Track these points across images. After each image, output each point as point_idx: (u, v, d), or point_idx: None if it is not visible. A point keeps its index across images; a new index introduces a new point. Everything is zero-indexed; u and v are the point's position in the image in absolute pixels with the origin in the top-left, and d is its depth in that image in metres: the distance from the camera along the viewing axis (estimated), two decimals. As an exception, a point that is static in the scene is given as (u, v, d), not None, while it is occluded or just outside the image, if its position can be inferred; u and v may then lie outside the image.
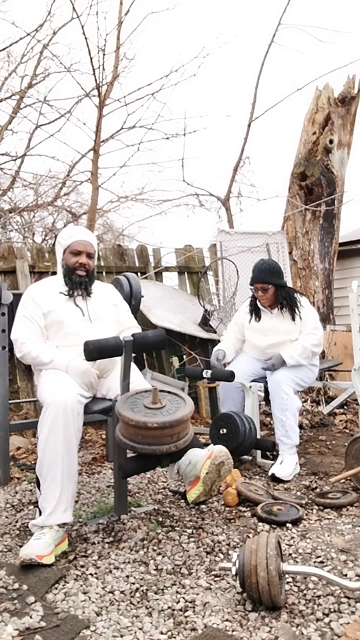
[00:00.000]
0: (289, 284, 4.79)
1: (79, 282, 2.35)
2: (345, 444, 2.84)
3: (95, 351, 2.05)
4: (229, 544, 2.01)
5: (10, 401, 2.79)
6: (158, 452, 1.90)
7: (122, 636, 1.45)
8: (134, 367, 2.36)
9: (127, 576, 1.78)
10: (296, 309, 3.03)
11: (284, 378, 2.89)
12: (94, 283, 2.43)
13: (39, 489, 2.04)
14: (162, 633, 1.46)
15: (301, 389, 3.09)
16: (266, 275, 3.00)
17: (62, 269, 2.39)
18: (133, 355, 2.51)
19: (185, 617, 1.54)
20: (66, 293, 2.35)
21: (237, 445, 2.87)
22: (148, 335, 2.20)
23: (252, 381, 3.13)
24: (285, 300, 3.03)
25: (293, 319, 3.02)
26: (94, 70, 6.27)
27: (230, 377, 2.91)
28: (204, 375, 3.09)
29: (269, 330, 3.09)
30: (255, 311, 3.16)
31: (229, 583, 1.72)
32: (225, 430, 2.92)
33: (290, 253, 5.12)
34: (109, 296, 2.52)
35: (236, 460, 3.14)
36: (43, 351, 2.22)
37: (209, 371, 3.09)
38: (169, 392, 2.10)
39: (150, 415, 1.89)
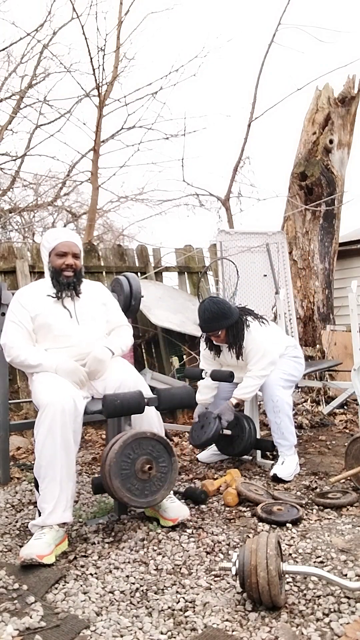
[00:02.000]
0: (289, 284, 4.79)
1: (66, 283, 2.35)
2: (345, 444, 2.84)
3: (115, 408, 2.07)
4: (229, 544, 2.01)
5: (10, 401, 2.80)
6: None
7: (122, 636, 1.45)
8: (130, 367, 2.36)
9: (127, 576, 1.78)
10: (242, 345, 2.91)
11: (272, 379, 2.87)
12: (82, 283, 2.43)
13: (37, 490, 2.04)
14: (162, 633, 1.46)
15: (293, 383, 3.04)
16: (212, 323, 2.89)
17: (49, 271, 2.39)
18: (132, 355, 2.51)
19: (185, 617, 1.54)
20: (54, 295, 2.35)
21: (242, 449, 2.88)
22: (174, 395, 2.22)
23: None
24: (235, 339, 2.92)
25: (237, 357, 2.95)
26: (94, 70, 6.29)
27: (229, 377, 2.91)
28: (203, 376, 3.09)
29: (230, 366, 3.06)
30: (213, 348, 3.08)
31: (229, 583, 1.72)
32: (230, 432, 2.91)
33: (290, 253, 5.11)
34: (97, 295, 2.50)
35: (236, 460, 3.14)
36: (31, 354, 2.22)
37: (208, 372, 3.09)
38: (164, 447, 2.08)
39: (133, 492, 2.00)
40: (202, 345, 3.16)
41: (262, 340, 2.91)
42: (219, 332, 2.91)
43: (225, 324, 2.88)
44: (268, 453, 3.13)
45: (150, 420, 2.25)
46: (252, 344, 2.89)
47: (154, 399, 2.15)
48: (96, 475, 2.19)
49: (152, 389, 2.39)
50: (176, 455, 2.12)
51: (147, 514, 2.30)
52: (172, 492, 2.26)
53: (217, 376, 2.99)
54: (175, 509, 2.20)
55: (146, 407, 2.17)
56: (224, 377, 2.94)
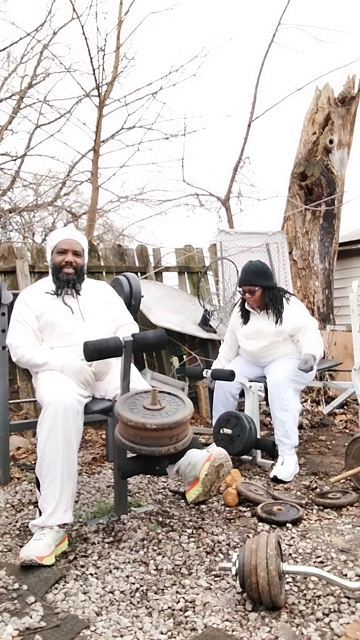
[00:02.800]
0: (289, 284, 4.79)
1: (66, 280, 2.36)
2: (345, 444, 2.84)
3: (95, 352, 2.05)
4: (229, 544, 2.01)
5: (10, 401, 2.79)
6: (157, 454, 1.89)
7: (122, 636, 1.45)
8: (132, 367, 2.36)
9: (127, 576, 1.78)
10: (281, 309, 3.03)
11: (284, 378, 2.89)
12: (83, 281, 2.43)
13: (38, 489, 2.04)
14: (162, 633, 1.46)
15: (303, 386, 3.09)
16: (252, 277, 3.02)
17: (51, 269, 2.41)
18: (132, 355, 2.50)
19: (185, 617, 1.54)
20: (52, 292, 2.35)
21: (243, 448, 2.88)
22: (148, 335, 2.20)
23: (250, 381, 3.14)
24: (271, 302, 3.04)
25: (276, 322, 3.02)
26: (94, 70, 6.29)
27: (230, 376, 2.91)
28: (204, 375, 3.08)
29: (257, 334, 3.10)
30: (244, 313, 3.18)
31: (229, 583, 1.72)
32: (230, 431, 2.92)
33: (290, 253, 5.11)
34: (102, 294, 2.51)
35: (236, 460, 3.14)
36: (37, 354, 2.22)
37: (209, 371, 3.09)
38: (168, 394, 2.09)
39: (149, 417, 1.89)
40: (234, 313, 3.27)
41: (310, 318, 3.10)
42: (256, 289, 3.01)
43: (264, 283, 3.02)
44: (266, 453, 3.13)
45: (140, 382, 2.27)
46: (299, 312, 3.06)
47: (130, 341, 2.11)
48: (124, 459, 2.12)
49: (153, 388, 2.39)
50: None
51: (189, 500, 2.06)
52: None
53: (217, 375, 2.99)
54: (203, 454, 2.05)
55: (137, 380, 2.22)
56: (225, 376, 2.94)
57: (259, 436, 3.08)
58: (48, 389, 2.09)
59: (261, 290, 3.03)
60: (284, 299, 3.08)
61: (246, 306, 3.16)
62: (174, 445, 1.91)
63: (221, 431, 2.90)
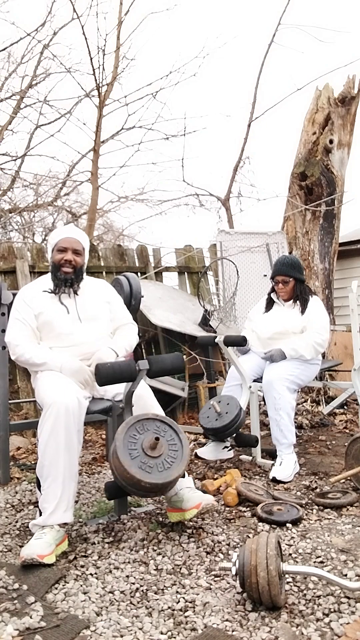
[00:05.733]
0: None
1: (64, 278, 2.35)
2: (345, 444, 2.84)
3: (107, 378, 2.04)
4: (229, 544, 2.01)
5: (10, 401, 2.80)
6: (146, 497, 2.05)
7: (122, 636, 1.45)
8: None
9: (127, 576, 1.78)
10: (307, 304, 3.13)
11: (277, 377, 2.89)
12: (82, 280, 2.42)
13: (39, 489, 2.04)
14: (162, 633, 1.46)
15: (298, 387, 3.08)
16: (288, 269, 3.13)
17: (50, 267, 2.41)
18: (132, 355, 2.50)
19: (185, 617, 1.54)
20: (50, 291, 2.35)
21: (227, 425, 2.79)
22: (164, 360, 2.20)
23: (253, 381, 3.13)
24: (301, 294, 3.16)
25: (302, 312, 3.11)
26: (94, 70, 6.29)
27: (243, 341, 2.97)
28: (217, 341, 3.06)
29: (275, 320, 3.18)
30: (268, 302, 3.29)
31: (229, 583, 1.72)
32: (219, 409, 2.84)
33: (290, 253, 5.11)
34: (101, 293, 2.49)
35: (236, 460, 3.14)
36: (35, 353, 2.22)
37: (222, 336, 3.06)
38: (169, 426, 2.07)
39: (145, 469, 1.91)
40: (258, 304, 3.39)
41: (326, 318, 3.16)
42: (290, 280, 3.13)
43: (297, 275, 3.14)
44: (266, 453, 3.13)
45: (149, 403, 2.25)
46: (320, 313, 3.12)
47: (145, 362, 2.11)
48: (109, 480, 2.16)
49: (153, 389, 2.39)
50: (184, 433, 2.09)
51: (171, 520, 2.18)
52: (192, 483, 2.20)
53: (230, 340, 3.02)
54: (197, 497, 2.10)
55: (144, 396, 2.21)
56: (237, 341, 3.00)
57: (258, 437, 3.08)
58: (48, 389, 2.08)
59: (294, 282, 3.15)
60: (310, 296, 3.19)
61: (273, 296, 3.27)
62: (164, 493, 2.08)
63: (210, 405, 2.89)
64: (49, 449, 1.98)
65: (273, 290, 3.26)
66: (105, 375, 2.03)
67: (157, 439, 1.96)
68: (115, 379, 2.05)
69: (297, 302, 3.15)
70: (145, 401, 2.23)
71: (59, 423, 1.98)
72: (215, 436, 2.94)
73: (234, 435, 2.93)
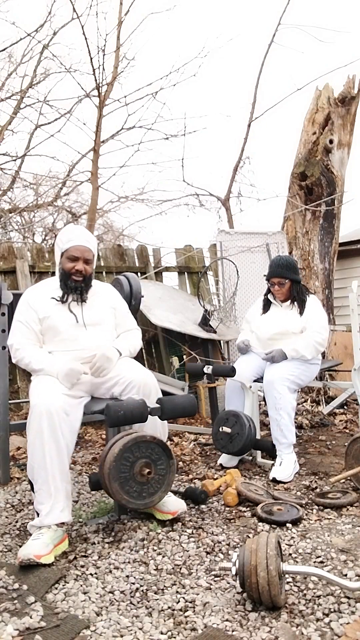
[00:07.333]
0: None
1: (74, 287, 2.33)
2: (345, 444, 2.84)
3: (118, 419, 2.04)
4: (229, 544, 2.01)
5: (10, 401, 2.80)
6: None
7: (122, 636, 1.45)
8: (138, 365, 2.36)
9: (127, 576, 1.78)
10: (305, 304, 3.13)
11: (278, 377, 2.89)
12: (90, 288, 2.40)
13: (33, 491, 2.04)
14: (162, 633, 1.46)
15: (299, 387, 3.08)
16: (284, 270, 3.12)
17: (59, 272, 2.38)
18: (133, 355, 2.49)
19: (185, 617, 1.54)
20: (58, 298, 2.34)
21: (242, 447, 2.87)
22: (176, 402, 2.21)
23: (254, 381, 3.14)
24: (298, 295, 3.15)
25: (300, 313, 3.11)
26: (94, 70, 6.27)
27: (231, 372, 2.94)
28: (205, 371, 3.08)
29: (274, 320, 3.17)
30: (266, 304, 3.28)
31: (229, 583, 1.72)
32: (229, 430, 2.90)
33: (290, 253, 5.11)
34: (107, 299, 2.48)
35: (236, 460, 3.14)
36: (35, 358, 2.22)
37: (210, 367, 3.09)
38: (163, 450, 2.08)
39: (130, 493, 2.00)
40: (254, 305, 3.38)
41: (324, 317, 3.14)
42: (286, 282, 3.11)
43: (293, 276, 3.13)
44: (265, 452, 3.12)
45: (153, 423, 2.23)
46: (318, 312, 3.11)
47: (157, 408, 2.14)
48: (94, 472, 2.19)
49: None
50: (174, 458, 2.12)
51: (142, 509, 2.25)
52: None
53: (218, 371, 3.01)
54: (173, 502, 2.22)
55: (149, 384, 2.23)
56: (226, 372, 2.98)
57: (258, 436, 3.08)
58: (34, 392, 2.10)
59: (290, 283, 3.14)
60: (307, 296, 3.18)
61: (269, 297, 3.26)
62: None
63: (220, 429, 2.89)
64: (36, 451, 1.99)
65: (269, 291, 3.25)
66: (114, 417, 2.03)
67: (149, 472, 2.02)
68: (125, 421, 2.08)
69: (295, 302, 3.15)
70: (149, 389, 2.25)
71: (42, 425, 1.98)
72: (236, 455, 2.98)
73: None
